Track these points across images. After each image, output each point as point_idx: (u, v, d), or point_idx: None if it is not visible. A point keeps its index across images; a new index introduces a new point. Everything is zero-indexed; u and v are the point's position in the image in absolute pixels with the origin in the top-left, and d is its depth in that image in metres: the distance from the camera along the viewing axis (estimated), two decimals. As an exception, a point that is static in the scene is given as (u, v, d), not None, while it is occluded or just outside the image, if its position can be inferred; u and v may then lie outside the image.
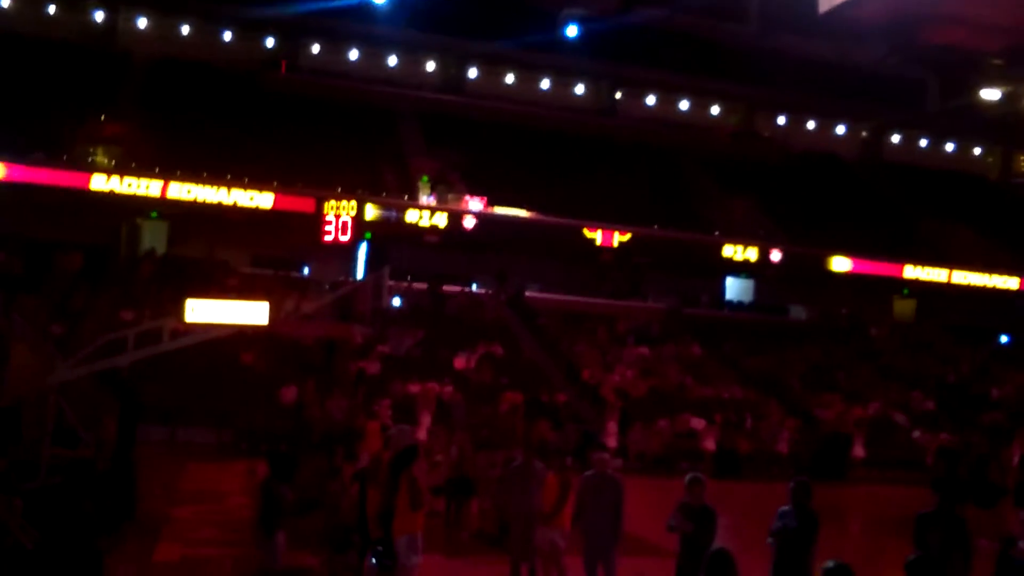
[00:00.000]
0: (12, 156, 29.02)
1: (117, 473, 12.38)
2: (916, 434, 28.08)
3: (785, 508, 8.86)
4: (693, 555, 9.03)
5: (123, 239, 31.74)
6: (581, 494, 10.30)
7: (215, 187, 30.70)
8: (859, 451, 25.75)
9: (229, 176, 31.06)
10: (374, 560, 9.78)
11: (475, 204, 33.60)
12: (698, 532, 9.03)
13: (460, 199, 33.82)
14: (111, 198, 29.79)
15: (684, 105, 45.30)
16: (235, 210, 30.91)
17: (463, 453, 14.89)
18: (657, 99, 44.85)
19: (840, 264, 37.57)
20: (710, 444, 24.68)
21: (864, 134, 48.30)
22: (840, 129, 47.98)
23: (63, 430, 12.92)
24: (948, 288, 38.70)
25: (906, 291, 39.78)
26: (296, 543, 10.26)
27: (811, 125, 47.35)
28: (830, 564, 6.23)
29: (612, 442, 23.28)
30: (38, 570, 6.33)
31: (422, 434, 18.53)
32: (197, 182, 30.56)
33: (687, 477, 9.63)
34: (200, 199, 30.54)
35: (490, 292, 32.92)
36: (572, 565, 10.40)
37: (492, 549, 13.07)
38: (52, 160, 29.85)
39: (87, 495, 7.10)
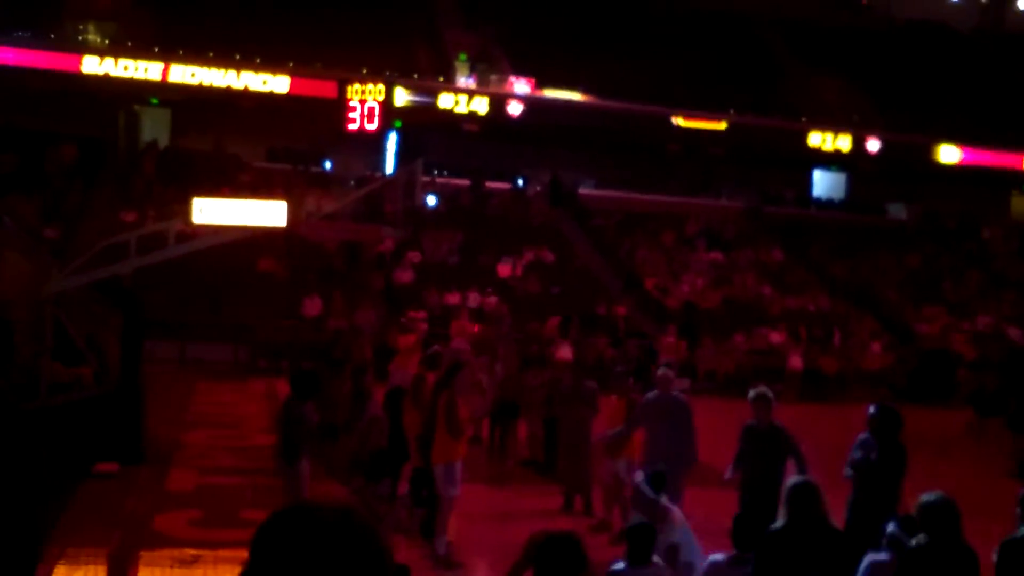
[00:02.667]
0: (-7, 36, 29.19)
1: (122, 395, 12.69)
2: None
3: (864, 436, 8.50)
4: (756, 487, 8.75)
5: (121, 129, 31.95)
6: (642, 419, 10.31)
7: (222, 69, 30.62)
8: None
9: (238, 56, 30.92)
10: (409, 490, 10.03)
11: (521, 86, 33.17)
12: (762, 459, 8.87)
13: (504, 80, 33.40)
14: (106, 82, 29.90)
15: (767, -35, 43.92)
16: (246, 96, 30.86)
17: (508, 373, 15.04)
18: (735, -41, 43.48)
19: (948, 154, 36.69)
20: (793, 362, 24.68)
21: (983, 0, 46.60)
22: (954, -7, 46.30)
23: (63, 346, 13.22)
24: (1077, 182, 37.85)
25: (1026, 186, 39.02)
26: (322, 471, 10.50)
27: (918, -11, 45.74)
28: (931, 498, 6.19)
29: (671, 357, 23.35)
30: None
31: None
32: (202, 64, 30.47)
33: (750, 393, 9.36)
34: (206, 83, 30.51)
35: (538, 189, 32.75)
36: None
37: (541, 479, 13.29)
38: (38, 40, 29.94)
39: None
